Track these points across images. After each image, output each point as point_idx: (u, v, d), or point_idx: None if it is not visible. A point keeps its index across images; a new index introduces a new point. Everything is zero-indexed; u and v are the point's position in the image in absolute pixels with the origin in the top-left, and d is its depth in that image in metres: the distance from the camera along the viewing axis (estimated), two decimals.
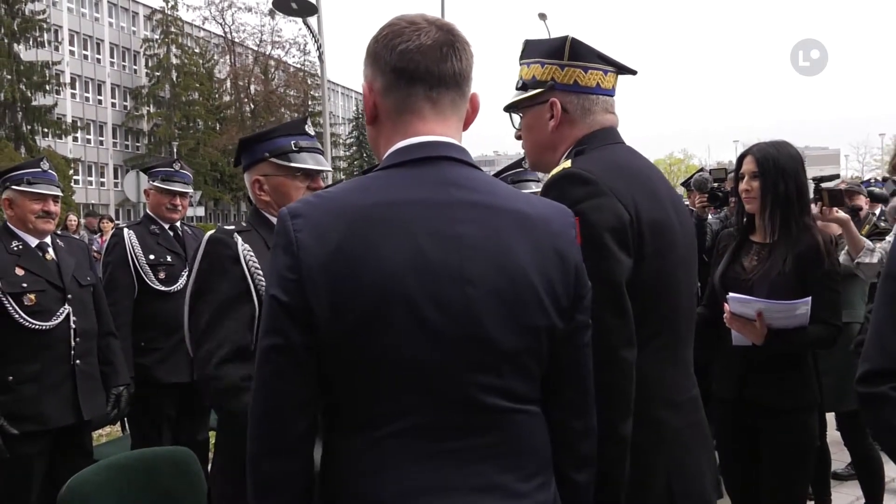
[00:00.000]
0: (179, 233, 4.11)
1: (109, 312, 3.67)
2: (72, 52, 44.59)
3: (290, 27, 61.09)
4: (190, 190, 4.18)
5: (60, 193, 3.49)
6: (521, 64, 1.87)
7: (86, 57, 46.17)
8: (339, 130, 56.36)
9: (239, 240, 2.15)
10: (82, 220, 17.56)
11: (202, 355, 2.08)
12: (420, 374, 1.23)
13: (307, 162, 2.32)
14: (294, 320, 1.23)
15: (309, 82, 45.71)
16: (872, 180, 8.56)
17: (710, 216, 4.87)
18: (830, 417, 4.16)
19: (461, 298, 1.23)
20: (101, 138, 47.34)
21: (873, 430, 1.60)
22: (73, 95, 44.35)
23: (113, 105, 47.93)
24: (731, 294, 2.81)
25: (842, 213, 3.51)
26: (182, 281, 3.93)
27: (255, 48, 46.34)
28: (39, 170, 3.44)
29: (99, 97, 47.07)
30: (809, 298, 2.73)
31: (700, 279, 3.77)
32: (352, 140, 58.39)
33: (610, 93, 1.81)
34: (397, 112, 1.36)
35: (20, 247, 3.34)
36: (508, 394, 1.28)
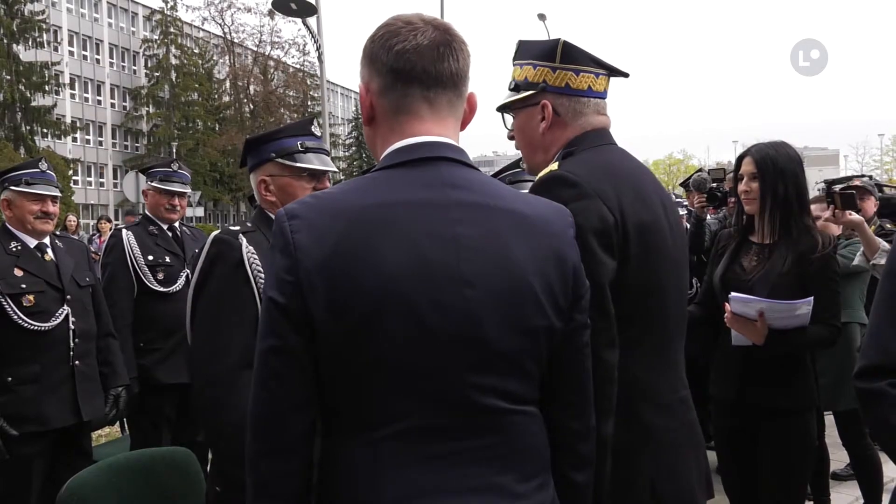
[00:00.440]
0: (178, 233, 4.11)
1: (109, 313, 3.66)
2: (71, 53, 44.55)
3: (290, 28, 61.31)
4: (188, 190, 4.18)
5: (59, 194, 3.48)
6: (514, 65, 1.87)
7: (85, 57, 46.14)
8: (339, 131, 56.32)
9: (244, 241, 2.14)
10: (84, 222, 17.54)
11: (204, 356, 2.07)
12: (418, 375, 1.23)
13: (313, 162, 2.32)
14: (292, 322, 1.22)
15: (308, 83, 45.71)
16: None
17: (708, 216, 4.88)
18: (830, 418, 4.16)
19: (459, 299, 1.23)
20: (100, 139, 47.31)
21: (871, 427, 1.61)
22: (73, 96, 44.33)
23: (112, 105, 47.88)
24: (732, 294, 2.81)
25: (855, 216, 3.52)
26: (181, 282, 3.94)
27: (255, 49, 46.35)
28: (38, 170, 3.43)
29: (98, 98, 47.03)
30: (811, 298, 2.74)
31: (699, 279, 3.79)
32: (351, 140, 58.30)
33: (601, 95, 1.82)
34: (394, 112, 1.35)
35: (19, 247, 3.34)
36: (507, 395, 1.28)
